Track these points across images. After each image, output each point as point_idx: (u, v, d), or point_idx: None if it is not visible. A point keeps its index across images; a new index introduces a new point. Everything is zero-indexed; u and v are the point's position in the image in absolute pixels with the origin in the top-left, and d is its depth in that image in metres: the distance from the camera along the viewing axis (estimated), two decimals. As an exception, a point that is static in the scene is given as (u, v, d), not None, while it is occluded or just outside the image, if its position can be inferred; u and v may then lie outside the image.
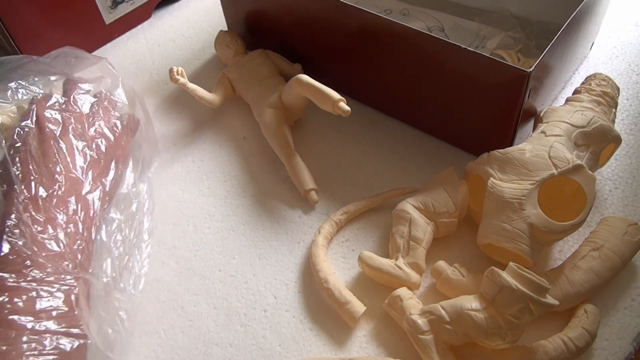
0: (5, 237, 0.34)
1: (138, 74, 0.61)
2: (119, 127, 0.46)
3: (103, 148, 0.44)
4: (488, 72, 0.41)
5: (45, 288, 0.34)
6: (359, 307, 0.38)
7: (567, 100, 0.45)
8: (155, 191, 0.49)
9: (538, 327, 0.38)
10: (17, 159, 0.38)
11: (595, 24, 0.52)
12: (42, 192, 0.37)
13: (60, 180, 0.39)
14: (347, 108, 0.43)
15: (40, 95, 0.45)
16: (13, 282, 0.33)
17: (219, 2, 0.60)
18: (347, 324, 0.39)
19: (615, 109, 0.45)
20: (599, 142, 0.41)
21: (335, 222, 0.44)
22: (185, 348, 0.39)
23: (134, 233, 0.43)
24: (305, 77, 0.46)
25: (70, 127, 0.42)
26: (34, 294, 0.33)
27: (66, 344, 0.32)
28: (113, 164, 0.44)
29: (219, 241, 0.46)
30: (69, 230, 0.37)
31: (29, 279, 0.33)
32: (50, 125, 0.41)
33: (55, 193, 0.38)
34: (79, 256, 0.37)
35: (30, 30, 0.57)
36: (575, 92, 0.46)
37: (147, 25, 0.68)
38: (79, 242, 0.38)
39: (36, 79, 0.47)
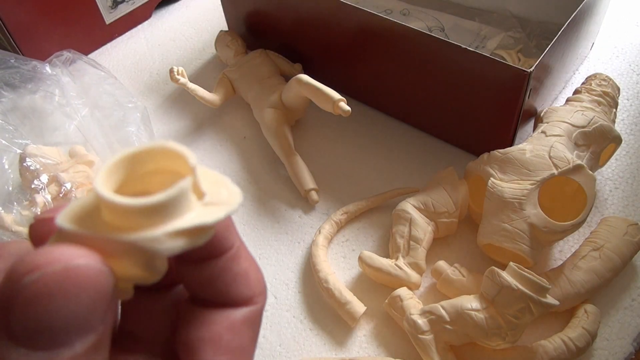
0: None
1: (138, 74, 0.61)
2: None
3: None
4: (488, 72, 0.41)
5: None
6: (359, 307, 0.38)
7: (568, 100, 0.45)
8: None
9: (538, 327, 0.38)
10: None
11: (595, 24, 0.52)
12: None
13: None
14: (347, 108, 0.43)
15: None
16: None
17: (219, 2, 0.60)
18: (347, 324, 0.39)
19: (616, 109, 0.45)
20: (599, 142, 0.41)
21: (336, 222, 0.44)
22: (185, 348, 0.39)
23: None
24: (306, 77, 0.45)
25: None
26: None
27: None
28: None
29: (219, 241, 0.46)
30: None
31: None
32: None
33: None
34: None
35: (31, 30, 0.57)
36: (576, 92, 0.46)
37: (147, 25, 0.68)
38: None
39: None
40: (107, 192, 0.13)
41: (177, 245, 0.13)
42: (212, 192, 0.14)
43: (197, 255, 0.16)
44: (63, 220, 0.13)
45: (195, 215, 0.13)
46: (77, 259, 0.12)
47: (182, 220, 0.13)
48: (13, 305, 0.11)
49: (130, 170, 0.14)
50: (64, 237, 0.13)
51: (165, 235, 0.13)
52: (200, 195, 0.14)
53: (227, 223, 0.16)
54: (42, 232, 0.14)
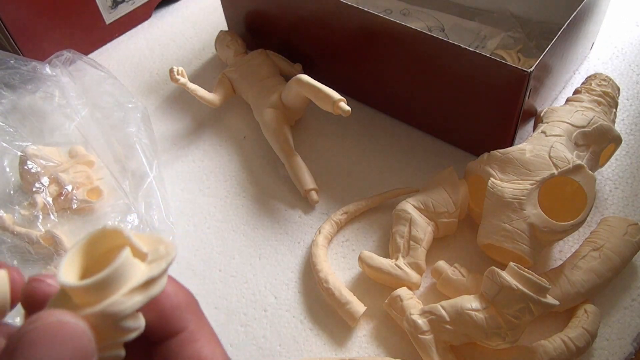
0: None
1: (138, 74, 0.61)
2: None
3: None
4: (488, 72, 0.41)
5: None
6: (359, 307, 0.38)
7: (568, 100, 0.45)
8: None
9: (538, 327, 0.38)
10: None
11: (595, 24, 0.52)
12: None
13: None
14: (347, 108, 0.43)
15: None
16: None
17: (219, 2, 0.60)
18: (347, 324, 0.39)
19: (616, 109, 0.45)
20: (599, 142, 0.41)
21: (336, 222, 0.44)
22: (185, 348, 0.39)
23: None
24: (305, 77, 0.46)
25: None
26: None
27: None
28: None
29: (219, 241, 0.46)
30: None
31: None
32: None
33: None
34: None
35: (31, 30, 0.57)
36: (576, 92, 0.46)
37: (147, 25, 0.68)
38: None
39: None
40: (67, 278, 0.15)
41: (136, 300, 0.15)
42: (152, 251, 0.17)
43: (153, 335, 0.17)
44: (48, 307, 0.16)
45: (142, 273, 0.16)
46: (67, 317, 0.14)
47: (132, 281, 0.15)
48: (16, 348, 0.14)
49: (89, 256, 0.17)
50: None
51: (122, 296, 0.15)
52: (143, 257, 0.17)
53: (175, 306, 0.18)
54: (35, 291, 0.17)
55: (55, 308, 0.15)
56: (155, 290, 0.16)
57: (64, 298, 0.16)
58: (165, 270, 0.16)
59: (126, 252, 0.16)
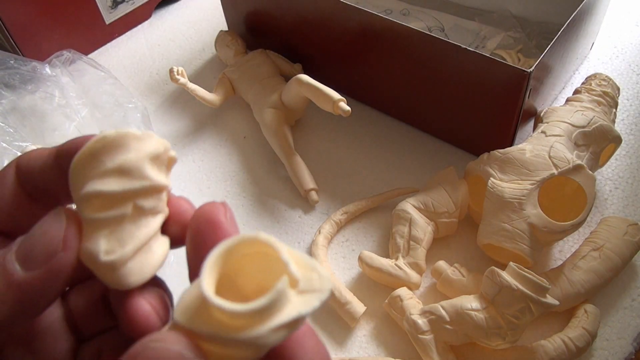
0: None
1: (138, 74, 0.61)
2: None
3: None
4: (488, 72, 0.41)
5: None
6: (359, 307, 0.38)
7: (568, 100, 0.45)
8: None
9: (538, 327, 0.38)
10: None
11: (595, 24, 0.52)
12: None
13: None
14: (347, 108, 0.43)
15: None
16: None
17: (219, 2, 0.60)
18: (347, 324, 0.39)
19: (616, 109, 0.45)
20: (599, 142, 0.41)
21: (335, 222, 0.44)
22: (185, 348, 0.39)
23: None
24: (306, 77, 0.46)
25: None
26: None
27: None
28: None
29: (219, 241, 0.46)
30: None
31: None
32: None
33: None
34: None
35: (31, 31, 0.57)
36: (576, 92, 0.46)
37: (147, 25, 0.68)
38: None
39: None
40: (216, 299, 0.14)
41: (280, 336, 0.14)
42: (304, 277, 0.15)
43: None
44: (178, 315, 0.14)
45: (292, 307, 0.14)
46: (176, 345, 0.14)
47: (282, 315, 0.14)
48: None
49: (225, 260, 0.15)
50: (179, 326, 0.15)
51: (270, 331, 0.14)
52: (294, 282, 0.15)
53: (310, 347, 0.15)
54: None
55: (187, 316, 0.14)
56: (300, 325, 0.14)
57: (202, 307, 0.14)
58: (317, 309, 0.14)
59: (284, 284, 0.14)
